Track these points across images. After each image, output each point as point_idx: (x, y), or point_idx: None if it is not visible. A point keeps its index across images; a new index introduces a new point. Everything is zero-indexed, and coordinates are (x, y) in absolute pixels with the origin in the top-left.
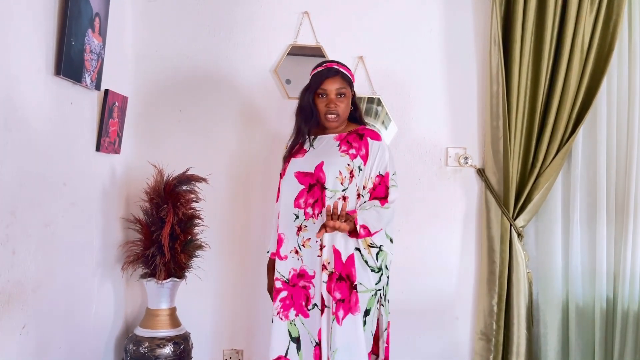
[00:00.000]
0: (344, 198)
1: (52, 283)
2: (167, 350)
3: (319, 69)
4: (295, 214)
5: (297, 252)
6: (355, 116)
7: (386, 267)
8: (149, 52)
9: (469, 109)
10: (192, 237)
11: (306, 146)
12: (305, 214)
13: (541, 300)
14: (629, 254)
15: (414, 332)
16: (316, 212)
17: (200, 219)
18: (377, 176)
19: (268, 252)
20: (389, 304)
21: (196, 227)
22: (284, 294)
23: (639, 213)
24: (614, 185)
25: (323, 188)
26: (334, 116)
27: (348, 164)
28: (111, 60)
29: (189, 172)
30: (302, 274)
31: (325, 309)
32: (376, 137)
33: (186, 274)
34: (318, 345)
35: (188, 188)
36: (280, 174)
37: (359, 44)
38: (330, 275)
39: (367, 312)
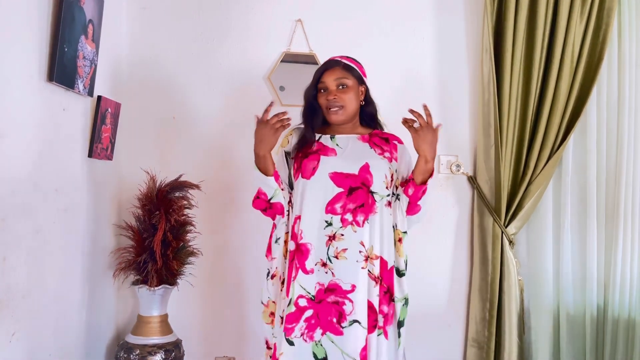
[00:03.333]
0: (389, 204)
1: (42, 290)
2: (158, 357)
3: (322, 64)
4: (326, 221)
5: (324, 264)
6: (372, 113)
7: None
8: (142, 58)
9: (460, 116)
10: (184, 243)
11: (330, 144)
12: (343, 220)
13: (532, 307)
14: (619, 261)
15: (405, 340)
16: (360, 219)
17: (192, 225)
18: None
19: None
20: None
21: (188, 234)
22: (309, 312)
23: (629, 220)
24: (604, 192)
25: (369, 192)
26: (336, 109)
27: (389, 168)
28: (104, 66)
29: (182, 179)
30: (332, 289)
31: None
32: (400, 140)
33: (178, 280)
34: None
35: (180, 194)
36: (296, 174)
37: (351, 52)
38: (380, 289)
39: (400, 324)
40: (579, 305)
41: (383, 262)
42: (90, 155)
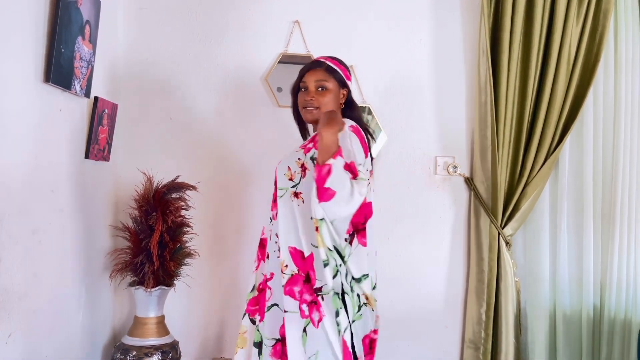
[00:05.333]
0: (297, 195)
1: (38, 291)
2: (155, 359)
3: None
4: (270, 218)
5: (268, 256)
6: (353, 117)
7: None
8: (139, 59)
9: (457, 118)
10: (181, 244)
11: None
12: (273, 216)
13: (529, 308)
14: (616, 262)
15: (402, 341)
16: (274, 212)
17: (189, 226)
18: None
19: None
20: (358, 298)
21: (185, 235)
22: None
23: (625, 221)
24: (600, 194)
25: (276, 187)
26: (310, 108)
27: (299, 158)
28: (101, 67)
29: (179, 180)
30: (265, 279)
31: (286, 314)
32: (350, 127)
33: (175, 281)
34: (280, 341)
35: (177, 195)
36: None
37: (350, 53)
38: (292, 277)
39: (337, 313)
40: (575, 306)
41: (297, 252)
42: (87, 156)
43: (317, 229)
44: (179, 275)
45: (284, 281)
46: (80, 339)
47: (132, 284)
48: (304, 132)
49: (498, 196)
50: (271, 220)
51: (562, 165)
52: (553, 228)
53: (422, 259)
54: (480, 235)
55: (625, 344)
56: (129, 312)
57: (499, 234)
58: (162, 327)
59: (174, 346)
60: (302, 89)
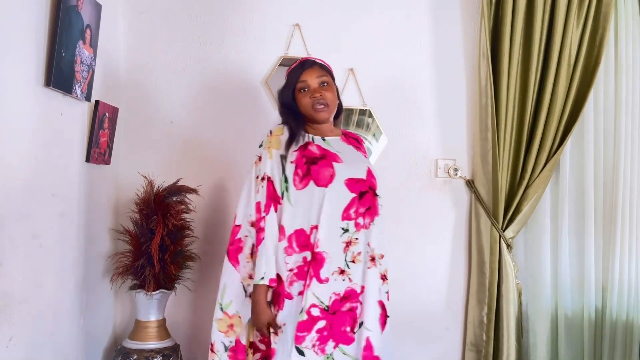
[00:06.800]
0: None
1: (39, 294)
2: None
3: (294, 65)
4: (343, 228)
5: (342, 272)
6: (340, 113)
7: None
8: (139, 63)
9: (458, 120)
10: (181, 248)
11: (330, 148)
12: (357, 225)
13: (530, 310)
14: (617, 264)
15: (403, 344)
16: (367, 221)
17: (190, 230)
18: None
19: (263, 278)
20: None
21: (186, 238)
22: (321, 323)
23: (627, 224)
24: (601, 196)
25: (375, 195)
26: (322, 106)
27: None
28: (102, 71)
29: (179, 183)
30: (347, 296)
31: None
32: (362, 140)
33: (176, 285)
34: None
35: (178, 199)
36: (298, 182)
37: (350, 56)
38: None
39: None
40: (577, 308)
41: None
42: (87, 159)
43: (382, 256)
44: (179, 279)
45: (386, 289)
46: (81, 342)
47: (132, 288)
48: (296, 137)
49: (499, 199)
50: (357, 229)
51: (563, 168)
52: (554, 230)
53: (422, 261)
54: (481, 238)
55: (627, 346)
56: (130, 316)
57: (500, 236)
58: (163, 330)
59: (175, 350)
60: (302, 90)
